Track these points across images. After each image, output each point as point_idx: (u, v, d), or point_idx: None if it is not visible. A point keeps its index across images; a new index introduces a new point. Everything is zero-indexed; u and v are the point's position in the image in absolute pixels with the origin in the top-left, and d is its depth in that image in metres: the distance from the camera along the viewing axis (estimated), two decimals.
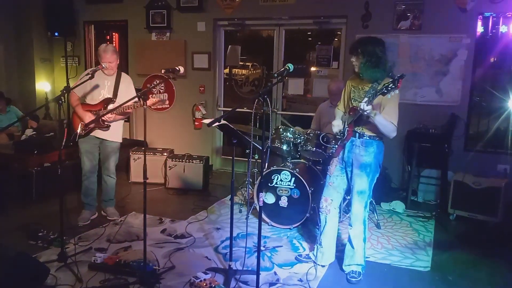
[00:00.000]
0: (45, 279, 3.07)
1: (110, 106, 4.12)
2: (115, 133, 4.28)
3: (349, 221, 3.41)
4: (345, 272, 3.39)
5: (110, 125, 4.18)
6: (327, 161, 3.98)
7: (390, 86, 2.78)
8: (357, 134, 3.20)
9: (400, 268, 3.59)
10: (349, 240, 3.38)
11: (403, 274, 3.49)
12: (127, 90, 4.26)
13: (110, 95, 4.18)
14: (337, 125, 3.30)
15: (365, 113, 2.91)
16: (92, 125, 4.11)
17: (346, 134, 3.25)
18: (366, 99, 2.93)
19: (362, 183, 3.23)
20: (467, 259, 3.82)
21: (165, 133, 6.86)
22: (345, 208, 4.39)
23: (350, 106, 3.27)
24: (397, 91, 2.83)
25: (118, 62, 4.21)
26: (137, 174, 5.78)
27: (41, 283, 3.03)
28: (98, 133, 4.20)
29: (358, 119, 3.14)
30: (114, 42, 7.47)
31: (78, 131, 4.03)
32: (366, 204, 3.29)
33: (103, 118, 4.07)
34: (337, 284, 3.31)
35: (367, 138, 3.18)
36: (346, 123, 3.27)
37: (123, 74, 4.31)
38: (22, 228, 4.06)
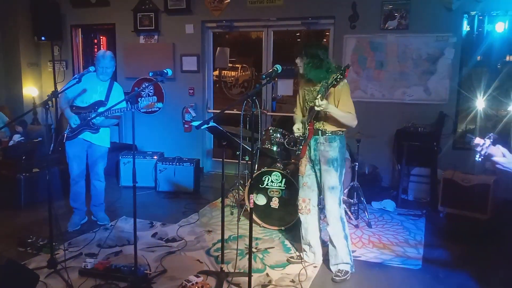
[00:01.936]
0: (35, 286, 3.02)
1: (100, 110, 4.09)
2: (103, 137, 4.25)
3: (325, 219, 3.45)
4: (333, 272, 3.41)
5: (99, 128, 4.16)
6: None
7: (338, 77, 2.97)
8: (320, 132, 3.31)
9: (392, 267, 3.60)
10: (330, 239, 3.41)
11: (395, 272, 3.50)
12: (119, 97, 4.22)
13: (101, 96, 4.17)
14: (298, 129, 3.44)
15: (321, 107, 3.04)
16: (80, 125, 4.09)
17: (307, 133, 3.33)
18: (319, 95, 3.08)
19: (332, 178, 3.30)
20: (458, 256, 3.84)
21: (155, 136, 6.83)
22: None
23: (307, 107, 3.38)
24: (345, 80, 3.10)
25: (113, 70, 4.21)
26: (127, 178, 5.74)
27: None
28: (86, 135, 4.16)
29: (316, 116, 3.25)
30: (101, 46, 7.42)
31: (66, 132, 4.01)
32: (339, 200, 3.34)
33: (93, 121, 4.06)
34: (329, 284, 3.31)
35: (330, 134, 3.29)
36: (306, 123, 3.35)
37: (115, 84, 4.31)
38: (10, 235, 4.01)
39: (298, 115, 3.58)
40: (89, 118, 4.05)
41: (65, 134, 4.04)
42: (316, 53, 3.20)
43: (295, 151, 3.62)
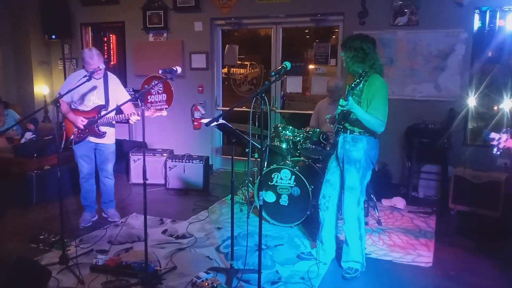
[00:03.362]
0: (47, 282, 3.06)
1: (103, 113, 4.06)
2: (109, 136, 4.25)
3: (341, 217, 3.42)
4: (343, 269, 3.40)
5: (106, 132, 4.17)
6: (326, 158, 4.00)
7: (356, 80, 2.94)
8: (348, 131, 3.25)
9: (402, 264, 3.58)
10: (345, 237, 3.39)
11: (405, 270, 3.49)
12: (117, 91, 4.22)
13: (101, 101, 4.13)
14: (335, 115, 3.35)
15: (345, 108, 2.97)
16: (87, 132, 4.11)
17: (335, 130, 3.30)
18: (347, 95, 2.98)
19: (352, 178, 3.24)
20: (469, 254, 3.81)
21: (165, 133, 6.86)
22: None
23: None
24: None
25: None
26: (137, 175, 5.77)
27: (43, 286, 3.03)
28: (92, 138, 4.18)
29: (343, 117, 3.19)
30: (111, 44, 7.46)
31: (72, 137, 4.02)
32: (358, 200, 3.28)
33: (99, 127, 4.09)
34: (339, 281, 3.30)
35: (357, 134, 3.22)
36: (336, 121, 3.31)
37: (109, 75, 4.22)
38: (23, 232, 4.06)
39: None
40: (94, 126, 4.05)
41: (72, 140, 4.04)
42: (360, 46, 3.11)
43: (328, 145, 3.56)
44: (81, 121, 4.05)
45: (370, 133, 3.20)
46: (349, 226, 3.33)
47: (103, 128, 4.17)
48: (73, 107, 4.14)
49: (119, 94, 4.24)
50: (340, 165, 3.34)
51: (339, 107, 3.05)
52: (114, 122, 4.19)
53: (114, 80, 4.26)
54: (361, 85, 3.10)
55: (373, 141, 3.25)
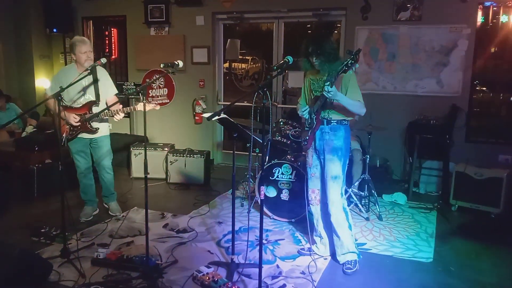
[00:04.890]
0: (48, 275, 3.08)
1: (94, 109, 4.03)
2: (102, 130, 4.19)
3: (327, 210, 3.39)
4: (341, 263, 3.40)
5: (98, 128, 4.12)
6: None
7: (349, 62, 2.93)
8: (325, 121, 3.29)
9: (403, 260, 3.59)
10: (333, 230, 3.39)
11: (406, 265, 3.49)
12: (106, 85, 4.16)
13: (92, 96, 4.06)
14: (305, 110, 3.34)
15: (330, 95, 3.00)
16: (79, 129, 4.07)
17: (315, 123, 3.31)
18: (328, 82, 3.01)
19: (335, 167, 3.28)
20: (470, 250, 3.81)
21: (166, 128, 6.86)
22: None
23: (312, 97, 3.35)
24: (357, 65, 2.99)
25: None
26: (138, 170, 5.77)
27: (45, 279, 3.04)
28: (85, 134, 4.13)
29: (323, 105, 3.22)
30: (113, 38, 7.45)
31: (64, 135, 4.00)
32: (341, 190, 3.32)
33: (91, 123, 4.05)
34: (339, 276, 3.31)
35: (335, 123, 3.28)
36: (312, 113, 3.32)
37: (98, 68, 4.04)
38: (24, 225, 4.07)
39: (301, 104, 3.53)
40: (86, 123, 4.02)
41: (64, 138, 3.99)
42: (328, 49, 3.16)
43: (301, 142, 3.59)
44: (73, 118, 4.00)
45: (346, 121, 3.31)
46: (337, 217, 3.33)
47: (95, 124, 4.10)
48: (63, 104, 4.00)
49: (108, 87, 4.19)
50: (319, 158, 3.39)
51: (324, 94, 3.03)
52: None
53: (103, 74, 4.18)
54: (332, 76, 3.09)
55: (349, 129, 3.37)
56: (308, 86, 3.45)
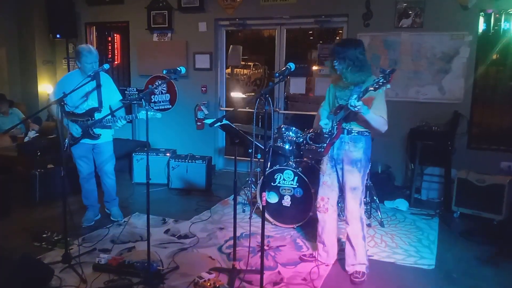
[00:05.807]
0: (49, 280, 3.08)
1: (97, 115, 4.02)
2: (104, 136, 4.18)
3: (344, 219, 3.40)
4: (349, 273, 3.37)
5: (101, 134, 4.11)
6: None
7: (381, 81, 2.79)
8: (346, 131, 3.23)
9: (404, 267, 3.58)
10: (348, 239, 3.37)
11: (408, 272, 3.48)
12: (110, 91, 4.16)
13: (94, 102, 4.05)
14: (325, 125, 3.30)
15: (356, 109, 2.91)
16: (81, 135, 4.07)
17: (335, 132, 3.24)
18: (355, 95, 2.92)
19: (354, 179, 3.24)
20: (472, 256, 3.80)
21: (168, 133, 6.87)
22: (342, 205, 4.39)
23: (337, 105, 3.28)
24: (388, 86, 2.81)
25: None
26: (140, 175, 5.78)
27: (46, 285, 3.04)
28: (87, 140, 4.12)
29: (346, 116, 3.16)
30: (115, 44, 7.49)
31: (67, 141, 4.01)
32: (360, 200, 3.29)
33: (93, 129, 4.04)
34: (341, 283, 3.30)
35: (356, 134, 3.22)
36: (334, 121, 3.26)
37: (102, 74, 4.07)
38: (26, 230, 4.07)
39: (325, 110, 3.46)
40: (89, 129, 4.01)
41: (66, 144, 3.99)
42: (351, 56, 3.07)
43: (316, 148, 3.54)
44: (76, 131, 4.00)
45: (368, 132, 3.24)
46: (353, 228, 3.31)
47: (97, 131, 4.09)
48: (66, 109, 3.95)
49: (112, 93, 4.18)
50: (336, 167, 3.34)
51: (349, 107, 2.94)
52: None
53: (106, 80, 4.18)
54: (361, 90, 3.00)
55: (370, 140, 3.30)
56: (333, 93, 3.36)
